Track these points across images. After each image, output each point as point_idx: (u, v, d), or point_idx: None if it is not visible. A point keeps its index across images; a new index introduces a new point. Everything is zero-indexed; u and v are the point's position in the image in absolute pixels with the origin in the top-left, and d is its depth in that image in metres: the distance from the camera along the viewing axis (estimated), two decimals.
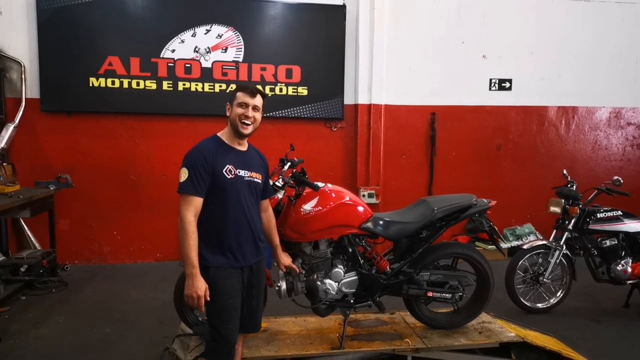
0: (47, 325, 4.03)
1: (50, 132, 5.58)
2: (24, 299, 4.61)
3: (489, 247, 5.68)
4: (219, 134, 2.50)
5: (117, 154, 5.73)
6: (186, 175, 2.34)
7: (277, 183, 2.99)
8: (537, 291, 4.38)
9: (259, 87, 2.46)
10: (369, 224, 3.09)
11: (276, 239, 2.78)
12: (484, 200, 3.29)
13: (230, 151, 2.44)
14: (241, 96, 2.44)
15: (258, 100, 2.46)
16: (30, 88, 5.49)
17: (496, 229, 3.31)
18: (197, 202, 2.34)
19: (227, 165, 2.38)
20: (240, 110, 2.42)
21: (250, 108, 2.42)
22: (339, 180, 5.88)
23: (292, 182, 3.01)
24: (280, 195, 3.02)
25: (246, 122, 2.41)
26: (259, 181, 2.51)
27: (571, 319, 4.28)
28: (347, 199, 3.11)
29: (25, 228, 5.43)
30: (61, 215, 5.55)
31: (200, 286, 2.30)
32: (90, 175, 5.67)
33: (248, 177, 2.44)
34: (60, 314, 4.28)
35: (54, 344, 3.70)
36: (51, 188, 5.24)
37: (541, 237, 6.03)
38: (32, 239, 5.42)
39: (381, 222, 3.12)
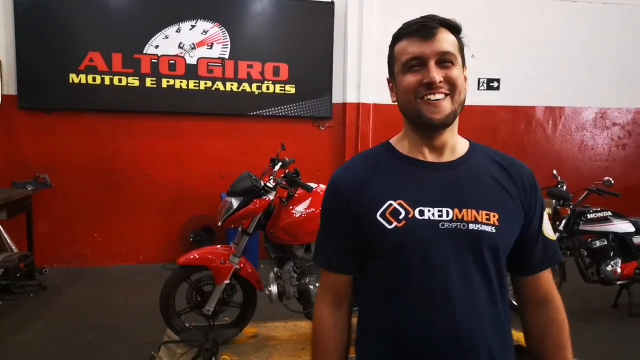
0: (25, 332, 3.86)
1: (28, 131, 5.37)
2: (0, 304, 4.42)
3: None
4: (393, 140, 1.28)
5: (99, 153, 5.55)
6: (320, 232, 1.29)
7: (268, 184, 2.90)
8: None
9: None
10: None
11: None
12: None
13: (407, 169, 1.19)
14: (407, 47, 1.17)
15: (445, 41, 1.15)
16: (7, 84, 5.26)
17: None
18: (334, 280, 1.24)
19: (390, 202, 1.15)
20: (412, 79, 1.15)
21: (432, 64, 1.13)
22: (327, 181, 5.80)
23: (284, 183, 2.92)
24: (271, 196, 2.92)
25: (433, 96, 1.13)
26: (490, 230, 1.13)
27: None
28: None
29: (2, 230, 5.20)
30: (40, 217, 5.34)
31: None
32: (71, 175, 5.48)
33: (450, 222, 1.13)
34: (40, 319, 4.10)
35: (34, 351, 3.54)
36: (29, 188, 5.05)
37: None
38: (9, 241, 5.20)
39: None
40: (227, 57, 5.69)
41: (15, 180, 5.12)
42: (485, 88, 6.36)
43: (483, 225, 1.13)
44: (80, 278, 5.23)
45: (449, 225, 1.13)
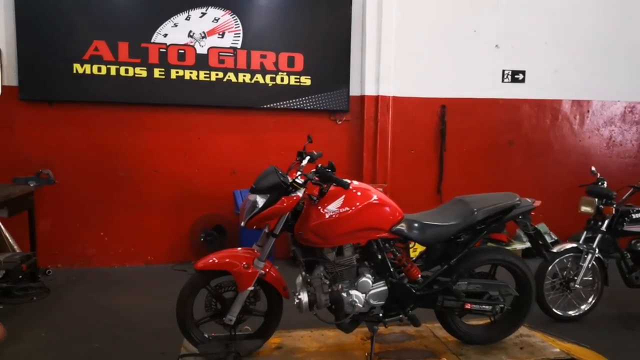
0: (27, 340, 3.57)
1: (29, 124, 5.09)
2: (1, 308, 4.14)
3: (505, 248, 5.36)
4: None
5: (104, 148, 5.26)
6: None
7: (297, 180, 2.60)
8: (566, 298, 4.06)
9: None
10: (401, 227, 2.72)
11: None
12: (528, 199, 2.95)
13: None
14: None
15: None
16: (8, 75, 4.98)
17: (542, 232, 2.96)
18: None
19: None
20: None
21: None
22: (343, 177, 5.52)
23: (316, 178, 2.63)
24: (300, 194, 2.62)
25: None
26: None
27: (603, 327, 3.96)
28: (375, 198, 2.74)
29: (3, 229, 4.93)
30: (42, 215, 5.06)
31: None
32: (74, 171, 5.20)
33: None
34: (42, 326, 3.82)
35: None
36: (31, 185, 4.77)
37: (555, 238, 5.75)
38: (10, 240, 4.93)
39: (416, 225, 2.75)
40: (239, 46, 5.39)
41: (17, 176, 4.84)
42: (510, 80, 6.06)
43: None
44: (85, 279, 4.96)
45: None
